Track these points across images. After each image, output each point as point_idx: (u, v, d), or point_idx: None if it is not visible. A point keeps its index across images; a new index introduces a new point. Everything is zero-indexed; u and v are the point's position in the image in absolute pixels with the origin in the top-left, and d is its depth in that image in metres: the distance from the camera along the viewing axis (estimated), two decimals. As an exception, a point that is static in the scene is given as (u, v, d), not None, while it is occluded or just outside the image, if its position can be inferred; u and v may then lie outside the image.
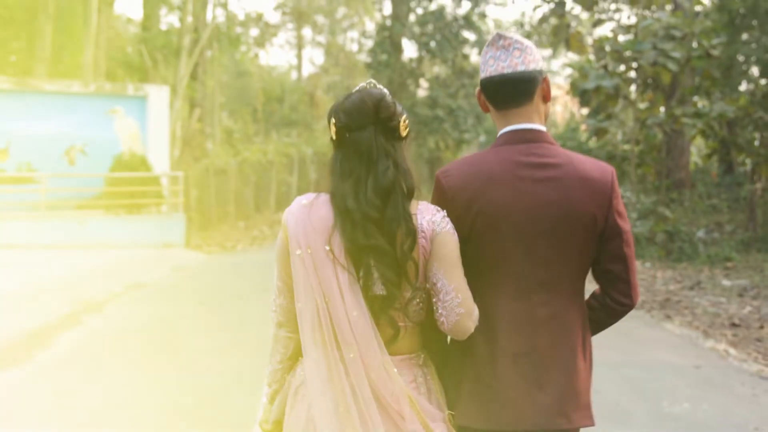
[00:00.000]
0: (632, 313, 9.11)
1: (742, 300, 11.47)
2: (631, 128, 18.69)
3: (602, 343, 8.48)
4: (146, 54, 27.28)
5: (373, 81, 2.49)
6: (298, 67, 50.46)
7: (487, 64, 2.56)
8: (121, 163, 18.24)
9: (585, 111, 21.59)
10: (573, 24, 18.85)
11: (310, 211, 2.35)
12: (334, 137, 2.39)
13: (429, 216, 2.35)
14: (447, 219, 2.37)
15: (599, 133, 18.34)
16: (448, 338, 2.51)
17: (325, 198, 2.36)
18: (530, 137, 2.51)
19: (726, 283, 13.09)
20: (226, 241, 19.73)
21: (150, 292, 11.90)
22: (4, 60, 27.49)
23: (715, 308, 10.84)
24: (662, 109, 19.60)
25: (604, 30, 41.67)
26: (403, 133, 2.42)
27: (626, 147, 20.74)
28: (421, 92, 36.64)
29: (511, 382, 2.41)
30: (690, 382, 6.91)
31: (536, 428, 2.42)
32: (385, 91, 2.46)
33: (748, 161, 22.05)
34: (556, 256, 2.45)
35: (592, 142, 21.67)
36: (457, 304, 2.28)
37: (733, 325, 9.70)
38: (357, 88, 2.46)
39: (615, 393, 6.50)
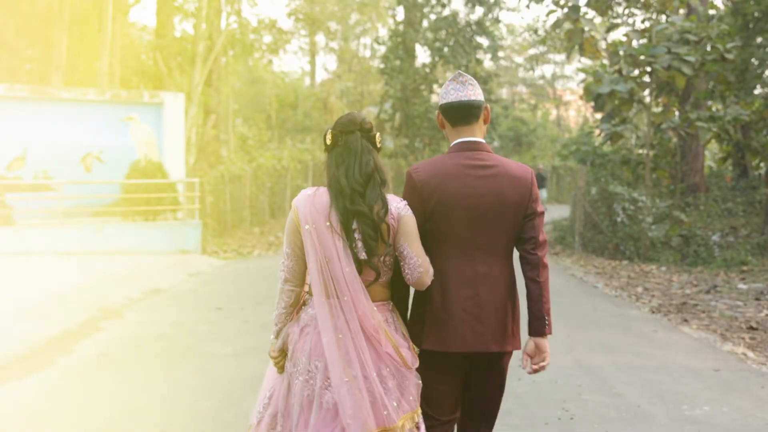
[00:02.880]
0: (649, 316, 9.19)
1: (759, 303, 11.46)
2: (645, 133, 18.68)
3: (622, 346, 8.53)
4: (161, 61, 27.39)
5: (356, 112, 3.51)
6: (312, 74, 50.51)
7: (449, 93, 3.60)
8: (138, 170, 18.27)
9: (598, 116, 21.55)
10: (587, 29, 18.78)
11: (313, 198, 3.35)
12: (330, 142, 3.40)
13: (395, 204, 3.38)
14: (408, 207, 3.41)
15: (614, 137, 18.32)
16: (411, 292, 3.60)
17: (323, 189, 3.37)
18: (474, 147, 3.57)
19: (742, 286, 13.07)
20: (241, 247, 19.81)
21: (168, 298, 11.97)
22: (20, 68, 27.65)
23: (731, 312, 10.83)
24: (676, 113, 19.56)
25: (618, 34, 41.64)
26: (378, 145, 3.45)
27: (640, 151, 20.71)
28: (435, 98, 36.63)
29: (459, 318, 3.46)
30: (709, 385, 6.92)
31: (477, 350, 3.47)
32: (366, 116, 3.46)
33: (762, 165, 21.99)
34: (492, 230, 3.49)
35: (606, 147, 21.62)
36: (418, 265, 3.30)
37: (751, 328, 9.70)
38: (346, 113, 3.48)
39: (636, 396, 6.52)
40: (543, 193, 35.33)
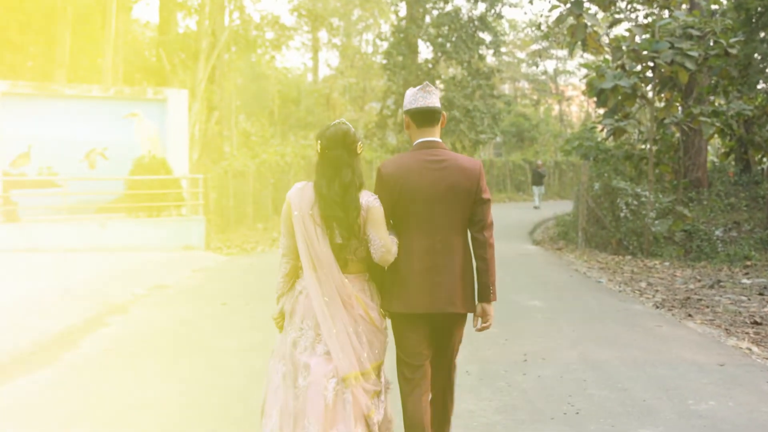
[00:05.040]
0: (654, 311, 9.19)
1: (762, 298, 11.47)
2: (648, 128, 18.66)
3: (627, 341, 8.53)
4: (164, 58, 27.38)
5: (344, 119, 4.29)
6: (314, 70, 50.56)
7: (417, 100, 4.33)
8: (141, 166, 18.29)
9: (601, 111, 21.52)
10: (589, 24, 18.74)
11: (302, 192, 4.13)
12: (318, 152, 4.11)
13: (366, 198, 4.10)
14: (377, 199, 4.13)
15: (616, 133, 18.31)
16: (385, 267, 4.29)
17: (310, 185, 4.13)
18: (433, 145, 4.33)
19: (746, 281, 13.08)
20: (245, 243, 19.80)
21: (172, 294, 12.00)
22: (23, 65, 27.68)
23: (735, 306, 10.83)
24: (679, 108, 19.56)
25: (620, 30, 41.56)
26: (359, 152, 4.15)
27: (643, 147, 20.70)
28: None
29: (421, 285, 4.21)
30: (714, 380, 6.93)
31: (436, 311, 4.23)
32: (351, 126, 4.18)
33: (765, 160, 21.98)
34: (447, 213, 4.23)
35: (609, 142, 21.60)
36: (380, 246, 4.08)
37: (755, 323, 9.71)
38: (333, 123, 4.19)
39: (641, 391, 6.53)
40: (541, 190, 35.26)
